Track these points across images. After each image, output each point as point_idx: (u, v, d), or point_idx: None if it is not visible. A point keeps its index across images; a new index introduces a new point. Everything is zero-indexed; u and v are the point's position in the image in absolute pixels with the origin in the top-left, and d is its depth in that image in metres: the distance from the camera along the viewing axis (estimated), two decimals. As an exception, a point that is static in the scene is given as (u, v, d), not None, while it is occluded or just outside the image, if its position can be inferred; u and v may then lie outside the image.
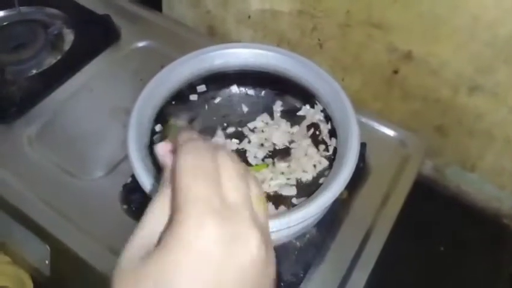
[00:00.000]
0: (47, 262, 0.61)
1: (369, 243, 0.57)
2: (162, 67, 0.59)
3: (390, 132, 0.68)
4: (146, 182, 0.47)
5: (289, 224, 0.45)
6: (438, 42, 0.66)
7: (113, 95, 0.73)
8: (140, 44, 0.81)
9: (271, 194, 0.53)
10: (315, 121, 0.59)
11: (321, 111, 0.59)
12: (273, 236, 0.49)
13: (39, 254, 0.61)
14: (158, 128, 0.57)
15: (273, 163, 0.56)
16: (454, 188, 0.81)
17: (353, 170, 0.48)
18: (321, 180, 0.54)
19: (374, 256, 0.56)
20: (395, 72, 0.72)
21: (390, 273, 0.66)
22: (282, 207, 0.52)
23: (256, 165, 0.55)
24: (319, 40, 0.77)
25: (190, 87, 0.60)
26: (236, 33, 0.88)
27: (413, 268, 0.73)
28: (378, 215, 0.59)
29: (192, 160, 0.28)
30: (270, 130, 0.59)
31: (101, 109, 0.71)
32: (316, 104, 0.59)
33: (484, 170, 0.76)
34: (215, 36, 0.90)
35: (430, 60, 0.68)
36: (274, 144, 0.58)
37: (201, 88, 0.61)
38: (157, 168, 0.51)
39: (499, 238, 0.78)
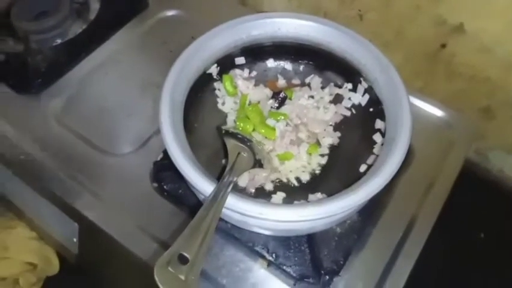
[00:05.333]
0: (75, 240, 0.60)
1: (413, 231, 0.53)
2: (193, 38, 0.55)
3: (436, 112, 0.63)
4: (180, 159, 0.44)
5: (336, 212, 0.42)
6: (490, 17, 0.61)
7: (142, 66, 0.69)
8: (169, 13, 0.77)
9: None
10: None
11: (365, 89, 0.55)
12: (314, 224, 0.47)
13: (68, 231, 0.60)
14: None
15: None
16: (496, 172, 0.77)
17: (404, 154, 0.45)
18: (361, 168, 0.50)
19: (419, 245, 0.52)
20: (443, 46, 0.67)
21: (428, 260, 0.63)
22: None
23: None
24: (359, 11, 0.72)
25: (228, 58, 0.57)
26: (269, 3, 0.83)
27: (452, 255, 0.70)
28: (423, 202, 0.56)
29: None
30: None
31: (129, 81, 0.67)
32: (360, 82, 0.55)
33: (530, 155, 0.71)
34: (246, 5, 0.86)
35: (482, 36, 0.63)
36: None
37: (240, 60, 0.57)
38: (191, 145, 0.48)
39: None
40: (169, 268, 0.33)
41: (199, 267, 0.34)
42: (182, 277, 0.33)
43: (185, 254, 0.34)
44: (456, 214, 0.67)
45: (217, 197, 0.41)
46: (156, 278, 0.31)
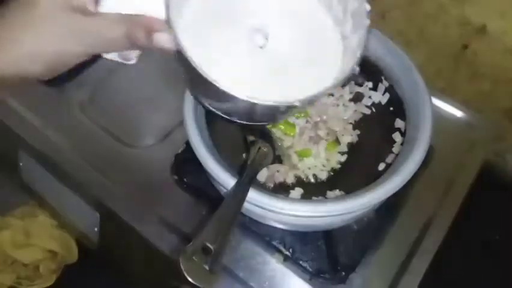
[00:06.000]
0: (96, 229, 0.61)
1: (430, 231, 0.54)
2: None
3: (457, 113, 0.63)
4: (203, 153, 0.45)
5: (354, 209, 0.43)
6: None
7: (167, 60, 0.70)
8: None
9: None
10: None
11: (386, 88, 0.55)
12: (332, 220, 0.47)
13: (89, 221, 0.61)
14: None
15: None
16: (513, 174, 0.76)
17: (424, 155, 0.45)
18: (380, 167, 0.50)
19: (435, 244, 0.53)
20: (465, 47, 0.67)
21: (443, 260, 0.63)
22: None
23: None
24: (382, 9, 0.71)
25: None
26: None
27: (467, 256, 0.70)
28: (441, 201, 0.56)
29: None
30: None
31: (153, 74, 0.68)
32: (381, 80, 0.55)
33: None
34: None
35: (504, 38, 0.63)
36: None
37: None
38: (213, 140, 0.49)
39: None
40: (194, 258, 0.34)
41: (222, 258, 0.35)
42: (207, 267, 0.34)
43: (209, 245, 0.35)
44: (472, 215, 0.67)
45: (239, 191, 0.42)
46: (182, 267, 0.32)
